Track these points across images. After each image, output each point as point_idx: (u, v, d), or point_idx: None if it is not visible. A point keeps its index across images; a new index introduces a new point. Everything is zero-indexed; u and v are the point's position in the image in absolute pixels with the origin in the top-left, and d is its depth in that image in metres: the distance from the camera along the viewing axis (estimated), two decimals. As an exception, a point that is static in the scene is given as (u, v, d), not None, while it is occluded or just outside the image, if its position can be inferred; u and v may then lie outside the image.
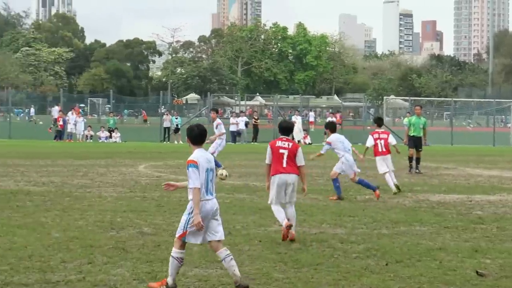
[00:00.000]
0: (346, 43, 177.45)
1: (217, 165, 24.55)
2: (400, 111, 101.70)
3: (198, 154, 9.08)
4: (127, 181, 22.45)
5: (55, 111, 60.15)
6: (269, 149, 12.75)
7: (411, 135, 28.03)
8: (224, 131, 25.95)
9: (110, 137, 54.16)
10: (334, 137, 18.56)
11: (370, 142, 20.68)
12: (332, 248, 12.05)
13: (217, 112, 27.18)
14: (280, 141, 12.70)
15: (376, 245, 12.28)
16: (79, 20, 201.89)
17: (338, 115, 60.24)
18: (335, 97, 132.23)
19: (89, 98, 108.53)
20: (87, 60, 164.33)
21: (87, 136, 54.16)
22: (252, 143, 53.03)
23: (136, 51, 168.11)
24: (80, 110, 55.83)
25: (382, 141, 20.49)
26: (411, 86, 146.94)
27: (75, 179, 22.48)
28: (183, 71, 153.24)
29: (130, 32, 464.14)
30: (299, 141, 50.72)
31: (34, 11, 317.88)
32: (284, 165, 12.51)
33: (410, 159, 27.79)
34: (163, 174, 25.35)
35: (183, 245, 9.19)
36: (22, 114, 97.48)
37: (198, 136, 9.20)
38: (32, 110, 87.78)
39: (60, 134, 52.43)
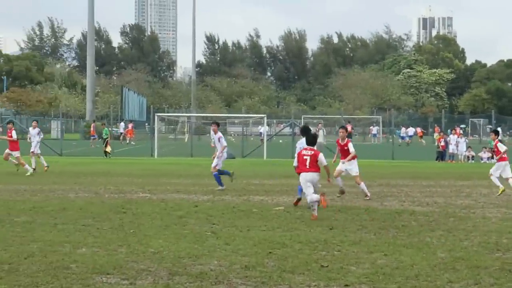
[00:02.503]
0: None
1: (227, 173, 25.66)
2: None
3: None
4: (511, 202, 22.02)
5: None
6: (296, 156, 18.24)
7: None
8: (226, 144, 25.86)
9: (492, 157, 53.27)
10: None
11: (504, 148, 24.67)
12: None
13: (218, 125, 26.15)
14: (304, 150, 17.92)
15: None
16: (460, 41, 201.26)
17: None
18: None
19: (470, 119, 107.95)
20: (468, 80, 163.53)
21: (468, 156, 53.85)
22: None
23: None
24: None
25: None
26: None
27: (459, 200, 22.44)
28: None
29: (510, 52, 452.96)
30: None
31: (415, 33, 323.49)
32: (308, 166, 17.55)
33: None
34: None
35: None
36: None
37: None
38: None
39: (441, 155, 52.83)
